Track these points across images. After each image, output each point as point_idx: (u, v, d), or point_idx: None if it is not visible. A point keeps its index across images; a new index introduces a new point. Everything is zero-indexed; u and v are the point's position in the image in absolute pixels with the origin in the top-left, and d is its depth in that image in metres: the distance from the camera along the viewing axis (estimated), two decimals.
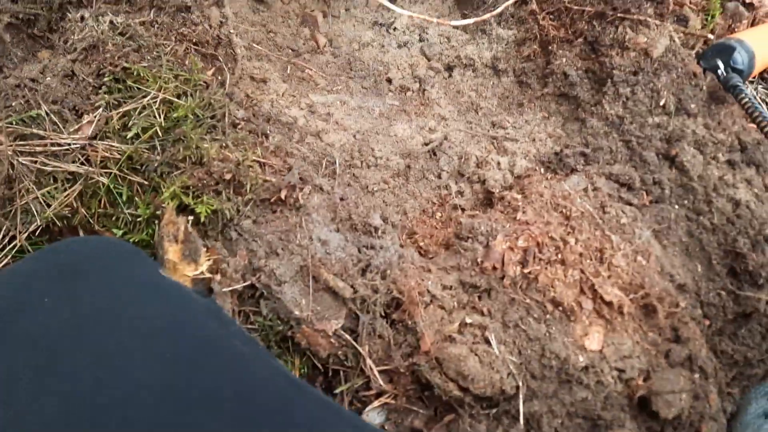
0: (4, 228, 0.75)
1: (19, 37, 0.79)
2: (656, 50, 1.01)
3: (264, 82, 1.10)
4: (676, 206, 0.95)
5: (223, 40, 0.99)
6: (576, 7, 1.11)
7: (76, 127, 0.78)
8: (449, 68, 1.32)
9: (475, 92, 1.28)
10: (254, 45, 1.22)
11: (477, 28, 1.34)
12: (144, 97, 0.81)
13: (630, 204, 0.96)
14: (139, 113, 0.81)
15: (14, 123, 0.76)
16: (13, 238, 0.77)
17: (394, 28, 1.39)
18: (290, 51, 1.36)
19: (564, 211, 0.92)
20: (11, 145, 0.75)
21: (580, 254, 0.87)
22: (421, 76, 1.30)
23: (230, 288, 0.80)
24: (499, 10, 1.24)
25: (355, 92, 1.30)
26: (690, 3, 1.03)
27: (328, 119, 1.12)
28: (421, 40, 1.36)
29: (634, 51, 1.03)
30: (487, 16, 1.24)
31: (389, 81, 1.32)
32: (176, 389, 0.53)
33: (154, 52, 0.83)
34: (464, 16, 1.39)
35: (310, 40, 1.42)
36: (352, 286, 0.80)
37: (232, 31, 1.04)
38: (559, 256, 0.86)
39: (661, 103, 1.00)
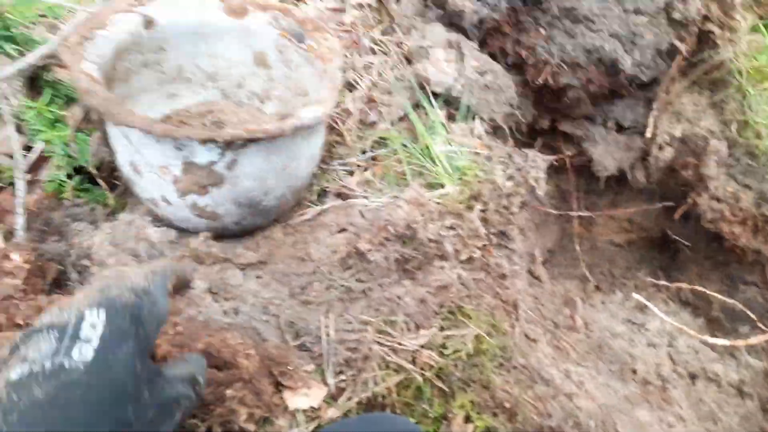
0: (349, 388, 1.07)
1: (398, 268, 1.18)
2: None
3: (534, 342, 1.37)
4: None
5: (515, 302, 1.30)
6: None
7: (414, 335, 1.11)
8: (693, 377, 1.46)
9: (717, 405, 1.39)
10: (528, 311, 1.52)
11: (726, 351, 1.49)
12: (464, 329, 1.12)
13: None
14: (457, 339, 1.11)
15: (380, 322, 1.11)
16: (350, 399, 1.07)
17: (646, 329, 1.60)
18: (552, 323, 1.63)
19: None
20: (374, 334, 1.09)
21: None
22: (665, 376, 1.46)
23: None
24: (753, 341, 1.39)
25: (601, 371, 1.49)
26: None
27: (580, 386, 1.32)
28: (669, 345, 1.55)
29: None
30: (740, 342, 1.40)
31: (634, 372, 1.50)
32: None
33: (478, 300, 1.16)
34: (713, 336, 1.55)
35: (568, 318, 1.68)
36: None
37: (520, 296, 1.35)
38: None
39: None
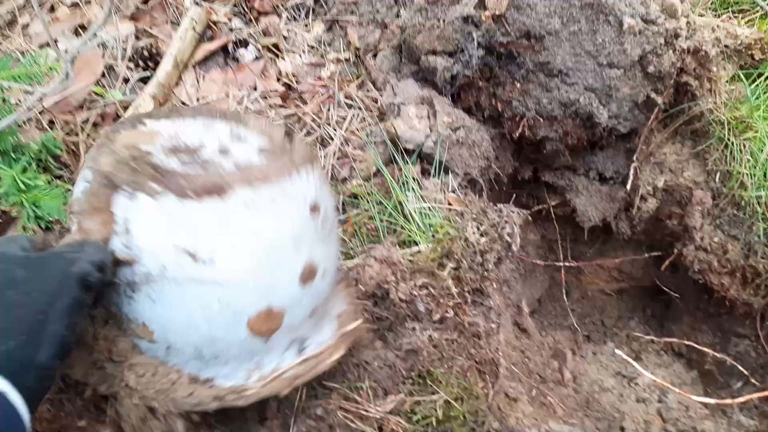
0: None
1: (368, 329, 1.16)
2: None
3: (515, 401, 1.32)
4: None
5: (494, 361, 1.26)
6: None
7: (382, 402, 1.08)
8: None
9: None
10: (512, 367, 1.48)
11: (718, 407, 1.43)
12: (433, 394, 1.08)
13: None
14: (427, 404, 1.08)
15: (345, 388, 1.08)
16: None
17: (636, 383, 1.55)
18: (538, 377, 1.59)
19: None
20: (339, 401, 1.06)
21: None
22: None
23: None
24: (741, 399, 1.34)
25: (588, 428, 1.44)
26: None
27: None
28: (659, 401, 1.49)
29: None
30: (729, 401, 1.34)
31: (622, 429, 1.44)
32: None
33: (450, 363, 1.12)
34: (706, 393, 1.50)
35: (556, 372, 1.63)
36: None
37: (500, 354, 1.32)
38: None
39: None
